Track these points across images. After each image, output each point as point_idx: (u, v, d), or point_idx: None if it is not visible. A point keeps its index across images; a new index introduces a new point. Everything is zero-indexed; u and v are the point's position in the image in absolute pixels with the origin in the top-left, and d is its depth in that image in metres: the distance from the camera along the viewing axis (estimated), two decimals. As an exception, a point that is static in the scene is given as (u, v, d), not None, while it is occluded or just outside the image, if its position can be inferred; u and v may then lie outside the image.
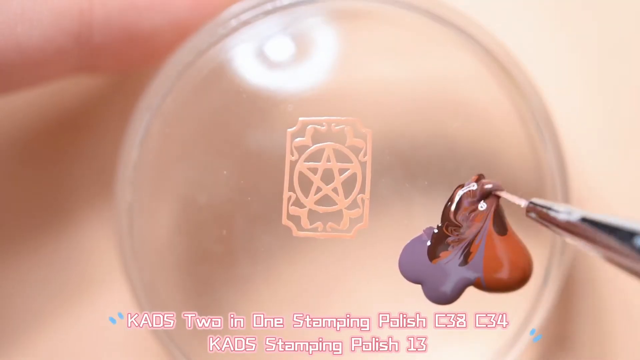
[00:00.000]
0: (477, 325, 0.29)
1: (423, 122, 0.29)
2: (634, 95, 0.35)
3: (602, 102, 0.35)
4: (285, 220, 0.26)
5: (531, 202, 0.24)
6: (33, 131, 0.35)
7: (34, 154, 0.35)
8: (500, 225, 0.27)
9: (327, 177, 0.26)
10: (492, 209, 0.26)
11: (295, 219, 0.26)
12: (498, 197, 0.26)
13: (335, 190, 0.26)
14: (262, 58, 0.29)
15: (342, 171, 0.26)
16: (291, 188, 0.26)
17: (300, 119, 0.27)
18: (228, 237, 0.28)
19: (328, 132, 0.26)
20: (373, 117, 0.27)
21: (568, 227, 0.22)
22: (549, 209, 0.23)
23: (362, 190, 0.26)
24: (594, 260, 0.34)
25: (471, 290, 0.26)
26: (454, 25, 0.29)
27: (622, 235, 0.20)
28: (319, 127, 0.26)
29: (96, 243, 0.35)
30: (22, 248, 0.35)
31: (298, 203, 0.26)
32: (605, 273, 0.34)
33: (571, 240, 0.22)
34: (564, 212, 0.22)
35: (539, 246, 0.29)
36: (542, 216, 0.24)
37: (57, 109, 0.35)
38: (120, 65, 0.32)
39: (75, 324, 0.35)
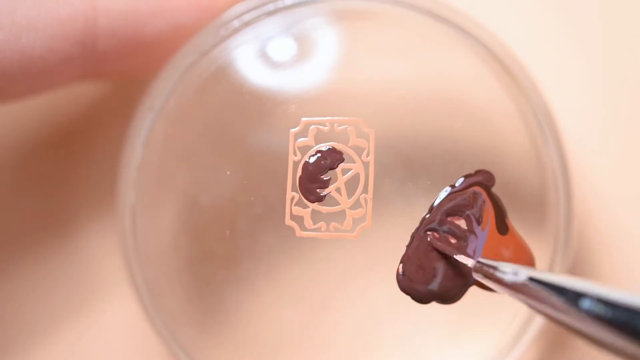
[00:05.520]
0: (479, 325, 0.29)
1: (425, 122, 0.29)
2: (635, 93, 0.35)
3: (604, 100, 0.35)
4: (288, 221, 0.26)
5: (478, 262, 0.25)
6: (36, 134, 0.35)
7: (38, 157, 0.35)
8: (502, 224, 0.27)
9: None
10: (489, 210, 0.26)
11: (298, 219, 0.26)
12: (489, 193, 0.27)
13: (338, 190, 0.26)
14: (265, 59, 0.29)
15: (345, 171, 0.26)
16: (294, 188, 0.26)
17: (303, 119, 0.27)
18: (231, 237, 0.28)
19: (331, 132, 0.26)
20: (376, 117, 0.27)
21: (515, 288, 0.22)
22: (495, 269, 0.23)
23: (365, 190, 0.26)
24: (595, 260, 0.34)
25: (472, 290, 0.27)
26: (456, 25, 0.29)
27: (569, 296, 0.20)
28: (321, 127, 0.27)
29: (100, 245, 0.35)
30: (26, 251, 0.35)
31: (301, 203, 0.26)
32: (606, 273, 0.34)
33: (520, 301, 0.22)
34: (510, 272, 0.22)
35: (540, 245, 0.29)
36: (488, 276, 0.24)
37: (59, 110, 0.35)
38: (125, 71, 0.32)
39: (78, 325, 0.35)
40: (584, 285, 0.20)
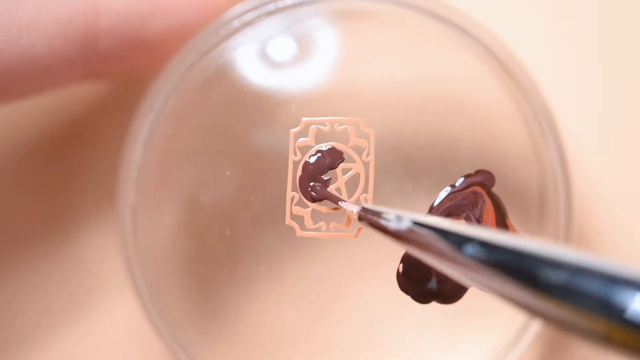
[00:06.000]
0: (479, 325, 0.29)
1: (425, 122, 0.29)
2: (635, 93, 0.35)
3: (604, 100, 0.35)
4: (288, 220, 0.26)
5: (363, 209, 0.24)
6: (36, 134, 0.35)
7: (38, 157, 0.35)
8: (502, 224, 0.27)
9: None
10: (489, 210, 0.26)
11: (298, 219, 0.26)
12: (489, 193, 0.27)
13: (338, 190, 0.26)
14: (265, 59, 0.29)
15: (345, 171, 0.26)
16: (294, 188, 0.26)
17: (303, 119, 0.27)
18: (231, 237, 0.28)
19: (331, 132, 0.26)
20: (376, 117, 0.27)
21: (400, 235, 0.22)
22: (379, 215, 0.23)
23: (365, 190, 0.26)
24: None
25: (472, 290, 0.27)
26: (455, 25, 0.29)
27: (454, 240, 0.19)
28: (322, 127, 0.27)
29: (100, 245, 0.35)
30: (26, 252, 0.35)
31: (301, 203, 0.26)
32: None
33: (407, 249, 0.21)
34: (394, 218, 0.22)
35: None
36: (373, 224, 0.23)
37: (60, 111, 0.35)
38: (125, 71, 0.32)
39: (78, 325, 0.35)
40: (468, 229, 0.19)
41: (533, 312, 0.17)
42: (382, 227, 0.22)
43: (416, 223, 0.21)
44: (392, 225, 0.22)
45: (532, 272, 0.17)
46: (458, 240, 0.19)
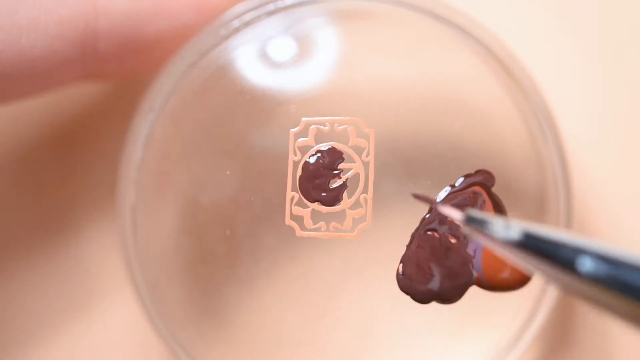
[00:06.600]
0: (479, 325, 0.29)
1: (425, 122, 0.29)
2: (635, 93, 0.35)
3: (604, 100, 0.35)
4: (288, 220, 0.26)
5: (469, 217, 0.22)
6: (36, 135, 0.35)
7: (38, 157, 0.35)
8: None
9: (330, 177, 0.27)
10: (489, 210, 0.26)
11: (298, 219, 0.26)
12: (488, 193, 0.26)
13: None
14: (265, 59, 0.29)
15: (345, 171, 0.26)
16: (294, 188, 0.26)
17: (303, 119, 0.27)
18: (231, 237, 0.28)
19: (331, 132, 0.27)
20: (376, 117, 0.27)
21: (507, 245, 0.20)
22: (485, 223, 0.21)
23: (365, 190, 0.26)
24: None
25: (472, 290, 0.27)
26: (455, 25, 0.29)
27: (567, 254, 0.18)
28: (321, 127, 0.27)
29: (100, 245, 0.35)
30: (26, 252, 0.35)
31: (301, 203, 0.26)
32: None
33: (517, 260, 0.20)
34: (502, 226, 0.20)
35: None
36: (477, 232, 0.21)
37: (60, 111, 0.35)
38: (125, 72, 0.32)
39: (78, 325, 0.35)
40: (583, 242, 0.18)
41: None
42: (489, 236, 0.21)
43: (526, 232, 0.19)
44: (500, 233, 0.20)
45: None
46: (572, 254, 0.18)
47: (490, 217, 0.21)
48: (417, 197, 0.26)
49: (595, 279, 0.17)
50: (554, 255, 0.18)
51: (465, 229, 0.22)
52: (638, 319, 0.17)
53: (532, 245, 0.19)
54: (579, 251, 0.18)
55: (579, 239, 0.18)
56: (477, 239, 0.22)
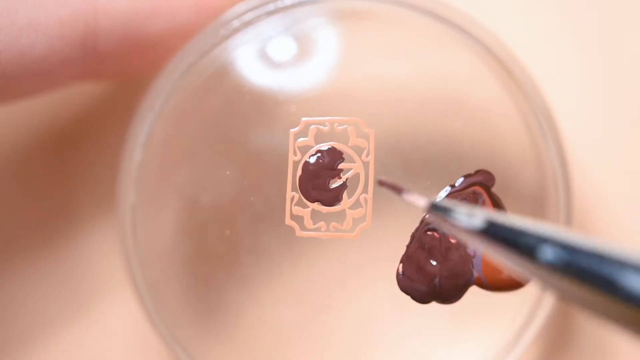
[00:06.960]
0: (479, 325, 0.29)
1: (425, 122, 0.29)
2: (635, 93, 0.35)
3: (604, 99, 0.35)
4: (288, 220, 0.26)
5: (432, 204, 0.22)
6: (36, 135, 0.35)
7: (38, 157, 0.35)
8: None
9: (330, 177, 0.27)
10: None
11: (298, 219, 0.26)
12: (488, 192, 0.26)
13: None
14: (265, 59, 0.29)
15: (345, 171, 0.26)
16: (294, 188, 0.26)
17: (303, 119, 0.27)
18: (231, 237, 0.28)
19: (331, 132, 0.27)
20: (375, 117, 0.27)
21: (471, 233, 0.20)
22: (449, 211, 0.21)
23: (365, 190, 0.26)
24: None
25: (472, 290, 0.27)
26: (455, 25, 0.29)
27: (528, 242, 0.18)
28: (321, 127, 0.27)
29: (100, 245, 0.35)
30: (26, 252, 0.35)
31: (301, 203, 0.26)
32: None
33: (481, 248, 0.20)
34: (465, 215, 0.20)
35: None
36: (442, 221, 0.21)
37: (60, 111, 0.35)
38: (126, 72, 0.32)
39: (78, 325, 0.35)
40: (547, 230, 0.18)
41: (617, 321, 0.16)
42: (452, 225, 0.21)
43: (489, 221, 0.19)
44: (463, 222, 0.20)
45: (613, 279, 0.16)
46: (534, 242, 0.18)
47: (454, 205, 0.21)
48: (382, 183, 0.26)
49: (555, 267, 0.17)
50: (516, 244, 0.18)
51: (430, 217, 0.23)
52: (597, 307, 0.17)
53: (494, 233, 0.19)
54: (541, 240, 0.18)
55: (542, 228, 0.18)
56: (442, 228, 0.22)
